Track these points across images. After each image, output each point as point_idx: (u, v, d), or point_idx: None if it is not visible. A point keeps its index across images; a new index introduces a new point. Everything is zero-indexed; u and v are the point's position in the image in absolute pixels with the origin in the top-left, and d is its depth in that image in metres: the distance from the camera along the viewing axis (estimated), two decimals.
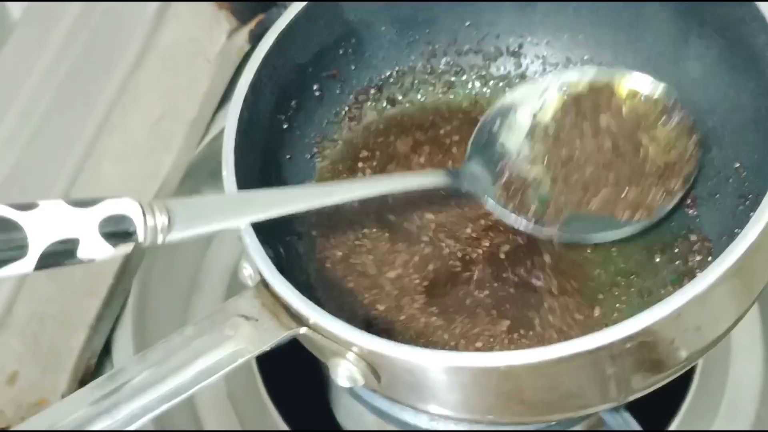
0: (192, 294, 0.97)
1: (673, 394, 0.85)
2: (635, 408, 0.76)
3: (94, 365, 0.87)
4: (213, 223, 0.62)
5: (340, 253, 0.77)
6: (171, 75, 0.96)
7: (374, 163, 0.82)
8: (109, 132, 0.93)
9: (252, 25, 0.99)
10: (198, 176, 0.96)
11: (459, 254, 0.76)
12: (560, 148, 0.77)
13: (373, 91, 0.85)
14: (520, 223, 0.75)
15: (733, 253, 0.58)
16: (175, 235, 0.59)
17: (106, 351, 0.88)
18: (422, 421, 0.80)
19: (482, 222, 0.77)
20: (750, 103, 0.72)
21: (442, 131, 0.83)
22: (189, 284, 0.97)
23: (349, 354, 0.60)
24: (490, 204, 0.76)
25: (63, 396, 0.82)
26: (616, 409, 0.74)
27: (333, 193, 0.68)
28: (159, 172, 0.92)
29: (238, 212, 0.63)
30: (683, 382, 0.86)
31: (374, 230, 0.78)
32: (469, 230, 0.77)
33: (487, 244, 0.76)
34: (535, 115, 0.79)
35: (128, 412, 0.59)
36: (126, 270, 0.89)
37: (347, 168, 0.82)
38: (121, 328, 0.89)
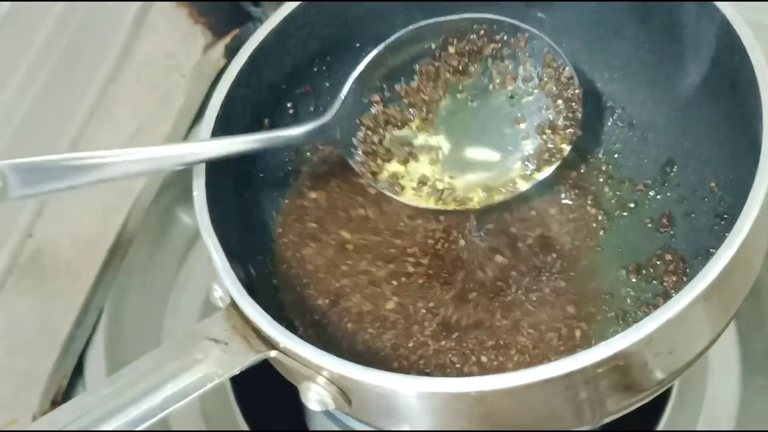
0: (166, 312, 0.96)
1: (651, 412, 0.85)
2: (612, 426, 0.75)
3: (66, 385, 0.86)
4: (49, 184, 0.62)
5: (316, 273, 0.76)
6: (146, 90, 0.95)
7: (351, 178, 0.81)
8: (84, 146, 0.92)
9: (227, 39, 0.98)
10: (172, 193, 0.96)
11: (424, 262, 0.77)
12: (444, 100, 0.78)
13: None
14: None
15: (708, 275, 0.57)
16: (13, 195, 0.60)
17: (79, 370, 0.88)
18: None
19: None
20: (725, 122, 0.72)
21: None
22: (162, 303, 0.96)
23: (319, 378, 0.60)
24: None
25: (34, 417, 0.82)
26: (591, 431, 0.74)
27: (182, 153, 0.68)
28: (133, 187, 0.91)
29: (73, 174, 0.64)
30: (660, 401, 0.85)
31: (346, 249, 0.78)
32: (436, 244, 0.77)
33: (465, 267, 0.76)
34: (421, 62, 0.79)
35: None
36: (99, 288, 0.88)
37: (321, 183, 0.81)
38: (94, 347, 0.88)
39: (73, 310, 0.86)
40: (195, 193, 0.67)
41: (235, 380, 0.87)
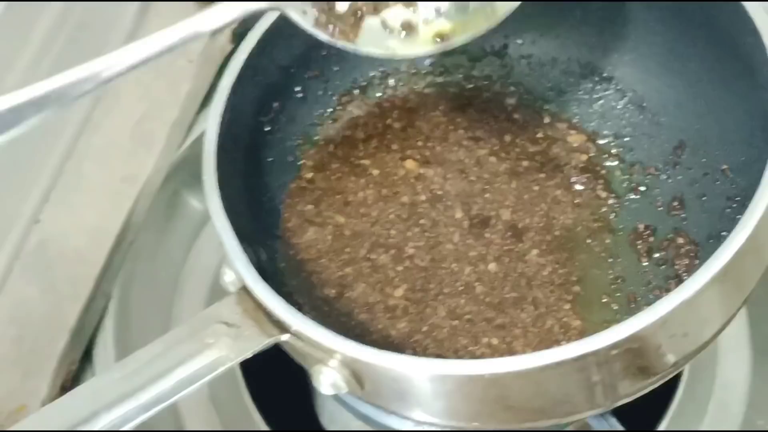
0: (174, 298, 0.95)
1: (661, 396, 0.84)
2: (621, 411, 0.75)
3: (75, 371, 0.86)
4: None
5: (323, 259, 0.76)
6: (152, 75, 0.95)
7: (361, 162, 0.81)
8: (90, 132, 0.92)
9: (234, 24, 0.98)
10: (180, 178, 0.95)
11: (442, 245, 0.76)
12: None
13: (356, 91, 0.84)
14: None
15: (720, 258, 0.57)
16: None
17: (87, 356, 0.87)
18: (408, 427, 0.79)
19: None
20: (738, 104, 0.71)
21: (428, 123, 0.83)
22: (171, 288, 0.96)
23: (332, 361, 0.60)
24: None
25: (43, 402, 0.81)
26: (602, 414, 0.74)
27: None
28: (140, 173, 0.91)
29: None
30: (670, 385, 0.85)
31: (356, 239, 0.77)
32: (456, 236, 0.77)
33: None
34: None
35: (107, 422, 0.59)
36: (107, 274, 0.87)
37: (330, 170, 0.81)
38: (103, 333, 0.88)
39: (81, 296, 0.85)
40: (204, 178, 0.67)
41: (244, 366, 0.87)
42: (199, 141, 0.91)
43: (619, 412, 0.75)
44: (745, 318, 0.89)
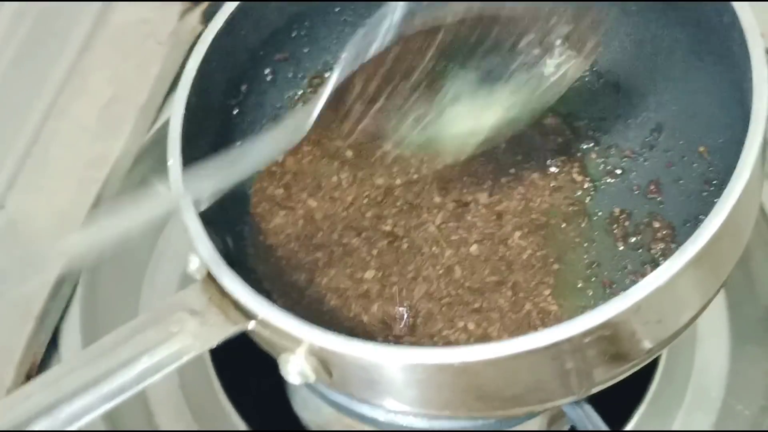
0: (143, 285, 0.94)
1: (638, 382, 0.84)
2: (598, 397, 0.74)
3: (41, 359, 0.85)
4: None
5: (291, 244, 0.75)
6: (121, 57, 0.94)
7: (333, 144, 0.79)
8: (57, 115, 0.91)
9: (204, 5, 0.96)
10: (148, 162, 0.94)
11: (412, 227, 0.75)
12: None
13: (327, 74, 0.82)
14: None
15: (696, 243, 0.56)
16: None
17: (54, 344, 0.86)
18: (379, 414, 0.79)
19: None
20: (715, 85, 0.70)
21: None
22: (139, 275, 0.94)
23: (298, 350, 0.58)
24: None
25: (8, 390, 0.80)
26: (576, 402, 0.73)
27: None
28: (108, 157, 0.90)
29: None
30: (648, 370, 0.85)
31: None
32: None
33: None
34: None
35: (69, 412, 0.58)
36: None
37: (301, 153, 0.79)
38: (69, 320, 0.87)
39: (47, 282, 0.84)
40: (169, 162, 0.66)
41: (214, 353, 0.86)
42: (168, 125, 0.91)
43: (595, 398, 0.74)
44: (724, 302, 0.88)
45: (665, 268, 0.55)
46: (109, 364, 0.59)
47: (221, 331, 0.60)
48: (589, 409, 0.73)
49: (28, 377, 0.82)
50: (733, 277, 0.65)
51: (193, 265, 0.63)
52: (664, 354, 0.85)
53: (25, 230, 0.86)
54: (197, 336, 0.60)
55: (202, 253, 0.61)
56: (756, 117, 0.59)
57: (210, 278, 0.62)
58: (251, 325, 0.60)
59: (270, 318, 0.58)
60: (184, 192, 0.63)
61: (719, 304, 0.88)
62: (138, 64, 0.94)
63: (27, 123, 0.90)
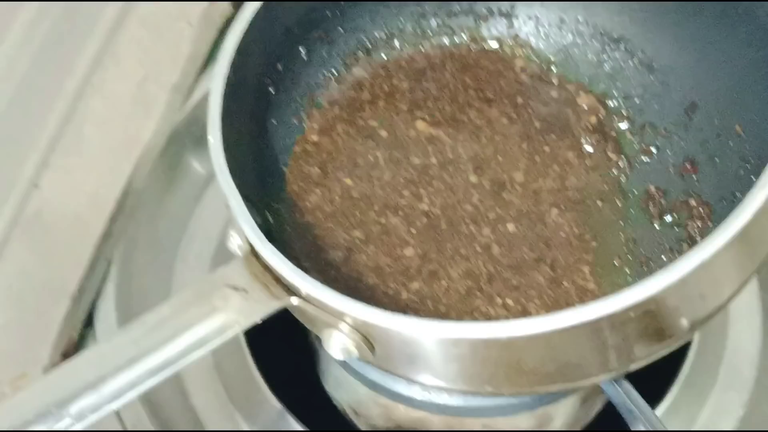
0: (176, 263, 0.94)
1: (672, 361, 0.84)
2: (633, 374, 0.74)
3: (77, 337, 0.85)
4: None
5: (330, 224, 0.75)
6: (152, 38, 0.94)
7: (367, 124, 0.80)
8: (90, 95, 0.91)
9: None
10: (181, 141, 0.94)
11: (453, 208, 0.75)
12: None
13: (361, 53, 0.82)
14: None
15: (740, 218, 0.55)
16: None
17: (89, 322, 0.87)
18: (415, 392, 0.79)
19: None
20: (751, 63, 0.70)
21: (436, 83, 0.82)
22: (173, 253, 0.95)
23: (342, 325, 0.59)
24: None
25: (45, 370, 0.81)
26: (615, 379, 0.73)
27: None
28: (142, 136, 0.90)
29: None
30: (682, 350, 0.85)
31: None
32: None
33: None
34: None
35: (115, 387, 0.58)
36: (108, 239, 0.87)
37: (336, 132, 0.79)
38: (104, 298, 0.87)
39: (82, 261, 0.84)
40: (210, 140, 0.65)
41: (249, 332, 0.86)
42: (200, 104, 0.92)
43: (630, 376, 0.74)
44: (756, 282, 0.88)
45: (709, 243, 0.55)
46: (153, 340, 0.59)
47: (265, 306, 0.60)
48: (628, 386, 0.73)
49: (65, 356, 0.82)
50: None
51: (234, 241, 0.63)
52: (698, 334, 0.86)
53: (58, 210, 0.86)
54: (241, 311, 0.60)
55: (246, 229, 0.61)
56: None
57: (252, 254, 0.62)
58: (295, 301, 0.60)
59: (314, 293, 0.58)
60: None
61: (751, 283, 0.88)
62: (169, 44, 0.94)
63: (60, 103, 0.90)
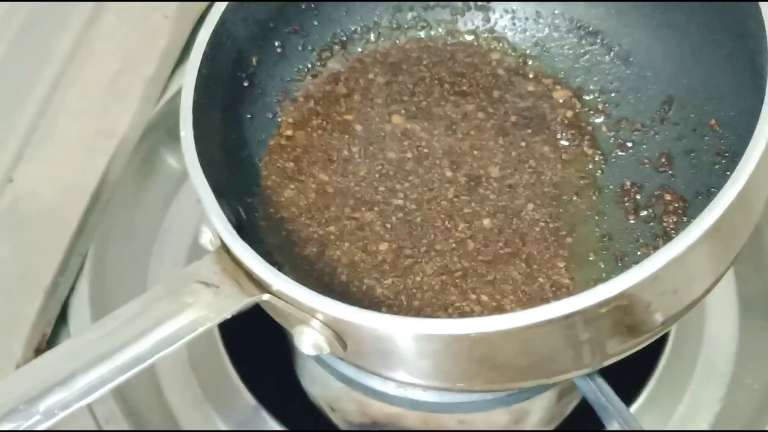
0: (151, 258, 0.94)
1: (648, 356, 0.85)
2: (608, 370, 0.74)
3: (50, 332, 0.84)
4: None
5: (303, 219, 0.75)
6: (128, 30, 0.94)
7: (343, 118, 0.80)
8: (65, 88, 0.91)
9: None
10: (156, 135, 0.94)
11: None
12: None
13: (337, 47, 0.82)
14: None
15: (712, 213, 0.55)
16: None
17: (63, 318, 0.86)
18: (389, 388, 0.79)
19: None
20: (727, 57, 0.70)
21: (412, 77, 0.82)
22: (148, 247, 0.95)
23: (313, 321, 0.58)
24: None
25: (18, 364, 0.80)
26: (589, 375, 0.73)
27: None
28: (116, 129, 0.89)
29: None
30: (658, 345, 0.86)
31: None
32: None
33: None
34: None
35: (85, 383, 0.57)
36: (82, 233, 0.86)
37: (311, 127, 0.79)
38: (78, 293, 0.87)
39: (56, 255, 0.84)
40: (182, 134, 0.65)
41: (223, 327, 0.86)
42: (176, 97, 0.91)
43: (606, 372, 0.74)
44: (732, 276, 0.89)
45: (682, 239, 0.55)
46: (124, 336, 0.59)
47: (235, 302, 0.60)
48: (601, 382, 0.73)
49: (38, 351, 0.82)
50: (742, 251, 0.65)
51: (206, 236, 0.63)
52: (674, 328, 0.86)
53: (32, 203, 0.85)
54: (212, 307, 0.60)
55: (216, 224, 0.61)
56: None
57: (223, 250, 0.62)
58: (266, 297, 0.60)
59: (285, 289, 0.58)
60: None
61: (728, 278, 0.88)
62: (145, 36, 0.94)
63: (34, 95, 0.90)
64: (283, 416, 0.86)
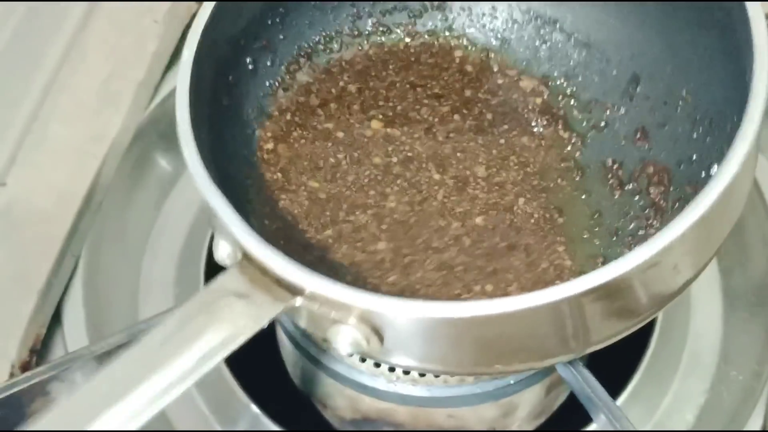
0: (143, 260, 0.96)
1: (634, 348, 0.87)
2: (595, 363, 0.77)
3: (45, 333, 0.86)
4: None
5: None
6: (119, 34, 0.96)
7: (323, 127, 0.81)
8: (56, 92, 0.93)
9: None
10: (148, 138, 0.96)
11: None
12: None
13: (303, 59, 0.83)
14: None
15: (708, 197, 0.57)
16: None
17: (57, 318, 0.87)
18: (379, 383, 0.80)
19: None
20: (690, 26, 0.72)
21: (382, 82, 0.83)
22: (140, 250, 0.96)
23: (350, 319, 0.59)
24: None
25: (13, 365, 0.81)
26: (573, 365, 0.74)
27: None
28: (108, 133, 0.91)
29: None
30: (643, 337, 0.87)
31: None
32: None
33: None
34: None
35: (133, 408, 0.56)
36: (75, 235, 0.88)
37: (293, 138, 0.80)
38: (72, 295, 0.88)
39: (49, 257, 0.85)
40: (185, 153, 0.65)
41: None
42: (166, 102, 0.95)
43: (592, 364, 0.76)
44: (717, 270, 0.92)
45: (680, 220, 0.56)
46: (164, 354, 0.58)
47: (270, 310, 0.59)
48: (586, 373, 0.73)
49: (32, 352, 0.83)
50: (726, 245, 0.66)
51: (223, 251, 0.63)
52: (659, 321, 0.88)
53: (25, 207, 0.87)
54: (248, 317, 0.59)
55: (238, 234, 0.61)
56: (756, 91, 0.59)
57: (246, 259, 0.61)
58: (299, 301, 0.60)
59: (320, 289, 0.58)
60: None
61: (712, 273, 0.91)
62: (135, 41, 0.96)
63: (26, 99, 0.92)
64: (277, 415, 0.86)
